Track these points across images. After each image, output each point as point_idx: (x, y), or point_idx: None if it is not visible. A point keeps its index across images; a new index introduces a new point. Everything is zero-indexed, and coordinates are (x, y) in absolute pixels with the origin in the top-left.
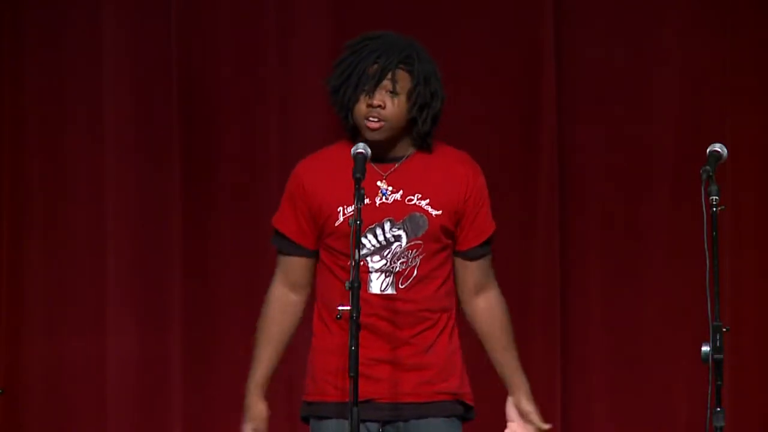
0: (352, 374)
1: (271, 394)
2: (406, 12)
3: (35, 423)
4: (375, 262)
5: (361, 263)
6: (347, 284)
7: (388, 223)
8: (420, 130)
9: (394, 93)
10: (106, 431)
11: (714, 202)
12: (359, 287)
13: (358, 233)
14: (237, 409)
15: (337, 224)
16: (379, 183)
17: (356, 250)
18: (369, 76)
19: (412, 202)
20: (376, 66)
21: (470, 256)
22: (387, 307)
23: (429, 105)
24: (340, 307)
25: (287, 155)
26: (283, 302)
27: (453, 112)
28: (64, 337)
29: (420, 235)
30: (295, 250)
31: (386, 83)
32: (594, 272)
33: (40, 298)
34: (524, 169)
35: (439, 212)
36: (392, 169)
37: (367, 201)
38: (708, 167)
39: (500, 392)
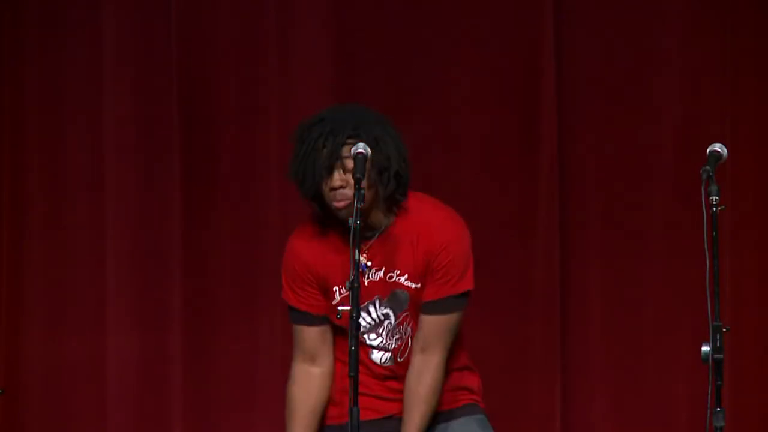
0: (352, 374)
1: None
2: (405, 12)
3: (35, 423)
4: (372, 340)
5: (361, 339)
6: (347, 284)
7: (377, 301)
8: (384, 194)
9: (348, 170)
10: (106, 431)
11: (714, 202)
12: (359, 287)
13: (358, 233)
14: (237, 409)
15: (334, 303)
16: (361, 258)
17: (356, 250)
18: (321, 164)
19: (392, 279)
20: (325, 150)
21: (425, 309)
22: (389, 370)
23: (387, 168)
24: (340, 307)
25: (287, 156)
26: (305, 379)
27: (453, 112)
28: (64, 337)
29: (405, 308)
30: (310, 319)
31: (338, 164)
32: (594, 272)
33: (40, 298)
34: (524, 169)
35: (419, 285)
36: (370, 244)
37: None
38: (708, 167)
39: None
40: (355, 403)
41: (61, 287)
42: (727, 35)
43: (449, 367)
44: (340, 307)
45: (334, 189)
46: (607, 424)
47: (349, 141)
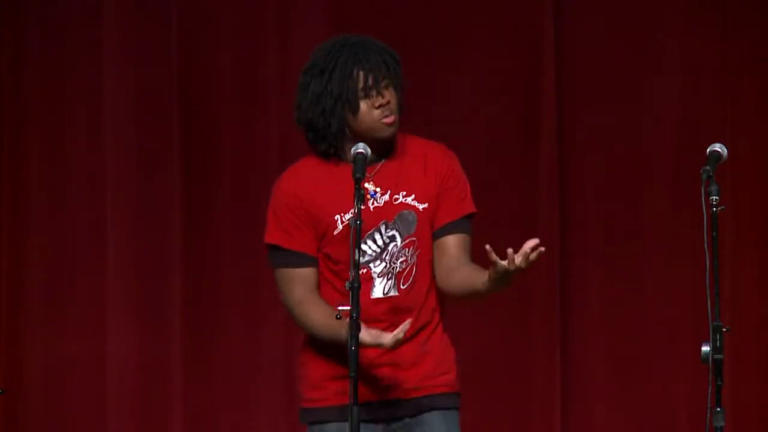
0: (352, 374)
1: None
2: (405, 11)
3: (35, 423)
4: (377, 267)
5: (364, 271)
6: (347, 284)
7: (383, 226)
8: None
9: (392, 86)
10: (106, 431)
11: (714, 202)
12: (359, 287)
13: (359, 233)
14: (237, 408)
15: (336, 233)
16: (366, 185)
17: (356, 250)
18: (369, 80)
19: (398, 201)
20: (371, 72)
21: (445, 231)
22: (389, 310)
23: (403, 87)
24: (339, 307)
25: (287, 155)
26: (311, 300)
27: (453, 111)
28: (64, 337)
29: (412, 231)
30: (308, 261)
31: (388, 80)
32: (594, 272)
33: (40, 298)
34: (524, 169)
35: (426, 205)
36: (376, 169)
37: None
38: (708, 167)
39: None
40: (356, 402)
41: (61, 287)
42: (727, 35)
43: (434, 338)
44: (339, 307)
45: (382, 106)
46: (607, 423)
47: (386, 59)
